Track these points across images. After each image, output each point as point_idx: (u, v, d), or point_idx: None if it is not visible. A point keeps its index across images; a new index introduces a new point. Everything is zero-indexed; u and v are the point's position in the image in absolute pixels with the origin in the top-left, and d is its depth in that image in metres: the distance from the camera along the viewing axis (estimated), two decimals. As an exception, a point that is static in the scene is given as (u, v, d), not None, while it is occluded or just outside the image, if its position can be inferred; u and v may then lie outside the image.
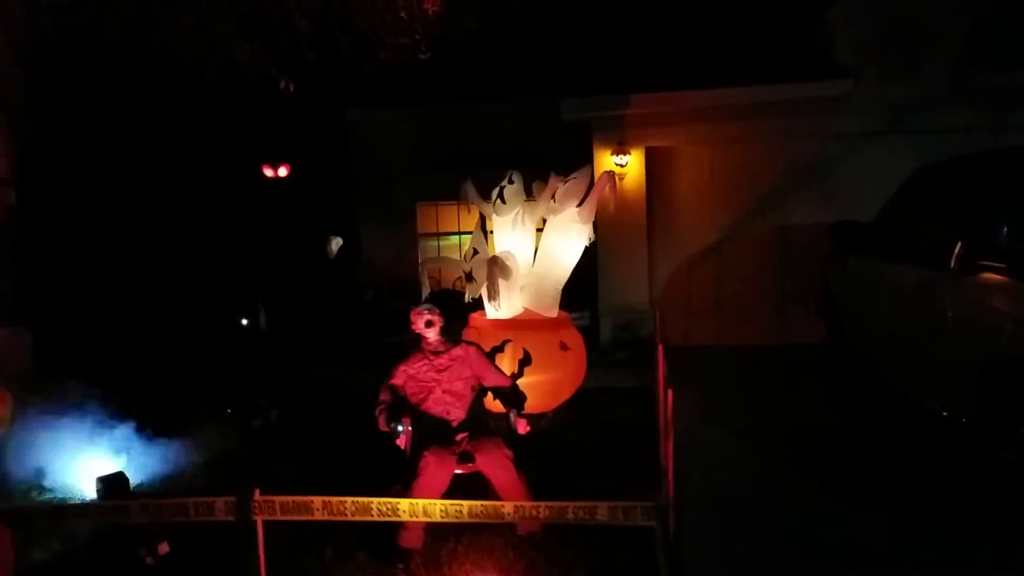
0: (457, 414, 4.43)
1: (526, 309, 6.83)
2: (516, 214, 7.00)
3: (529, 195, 7.07)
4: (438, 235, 13.26)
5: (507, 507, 3.02)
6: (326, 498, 2.83)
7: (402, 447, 4.35)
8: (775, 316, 9.87)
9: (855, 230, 7.24)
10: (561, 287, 6.94)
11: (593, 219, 6.72)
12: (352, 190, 12.97)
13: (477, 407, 4.76)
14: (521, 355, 6.43)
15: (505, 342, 6.47)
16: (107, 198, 10.62)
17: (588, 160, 9.28)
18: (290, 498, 2.84)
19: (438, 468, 4.02)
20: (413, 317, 4.62)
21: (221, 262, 12.20)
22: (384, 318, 11.54)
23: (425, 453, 4.07)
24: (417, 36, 6.71)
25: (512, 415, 4.31)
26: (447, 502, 2.81)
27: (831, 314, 7.84)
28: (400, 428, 4.30)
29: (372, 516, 2.81)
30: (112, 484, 5.20)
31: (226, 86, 7.47)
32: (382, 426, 4.45)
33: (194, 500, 2.90)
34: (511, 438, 4.36)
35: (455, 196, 12.66)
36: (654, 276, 10.12)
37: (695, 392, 6.91)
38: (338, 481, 5.14)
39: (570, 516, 2.87)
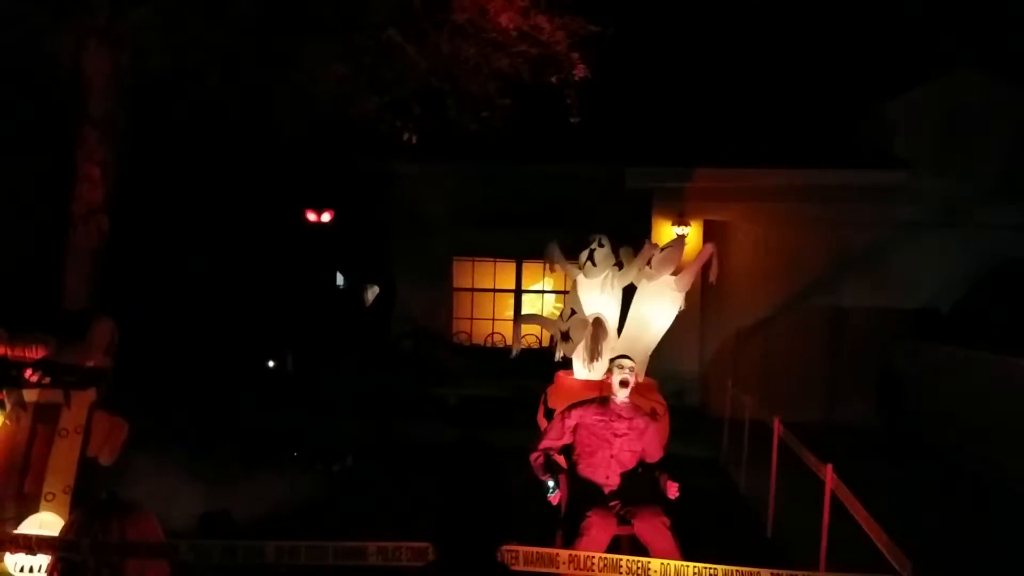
0: (615, 482, 4.38)
1: (614, 371, 6.85)
2: (605, 277, 7.08)
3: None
4: (472, 290, 13.34)
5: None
6: (572, 552, 2.81)
7: (553, 504, 4.31)
8: (821, 396, 9.99)
9: (934, 319, 7.44)
10: (650, 353, 6.99)
11: (689, 288, 6.82)
12: (390, 240, 13.04)
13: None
14: (615, 418, 6.44)
15: (599, 403, 6.49)
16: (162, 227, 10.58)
17: (642, 227, 9.50)
18: (534, 549, 2.81)
19: (601, 529, 3.99)
20: (612, 367, 4.54)
21: (258, 303, 12.11)
22: (424, 369, 11.51)
23: (589, 513, 4.03)
24: (568, 101, 6.87)
25: (663, 478, 4.29)
26: (701, 565, 2.79)
27: (895, 398, 7.98)
28: (555, 486, 4.27)
29: (621, 573, 2.79)
30: (216, 522, 5.06)
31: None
32: (538, 473, 4.41)
33: (377, 545, 2.85)
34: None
35: (492, 252, 13.09)
36: (704, 347, 10.24)
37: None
38: (442, 529, 5.12)
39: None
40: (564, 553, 2.82)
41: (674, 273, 6.89)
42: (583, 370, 6.89)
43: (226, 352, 11.09)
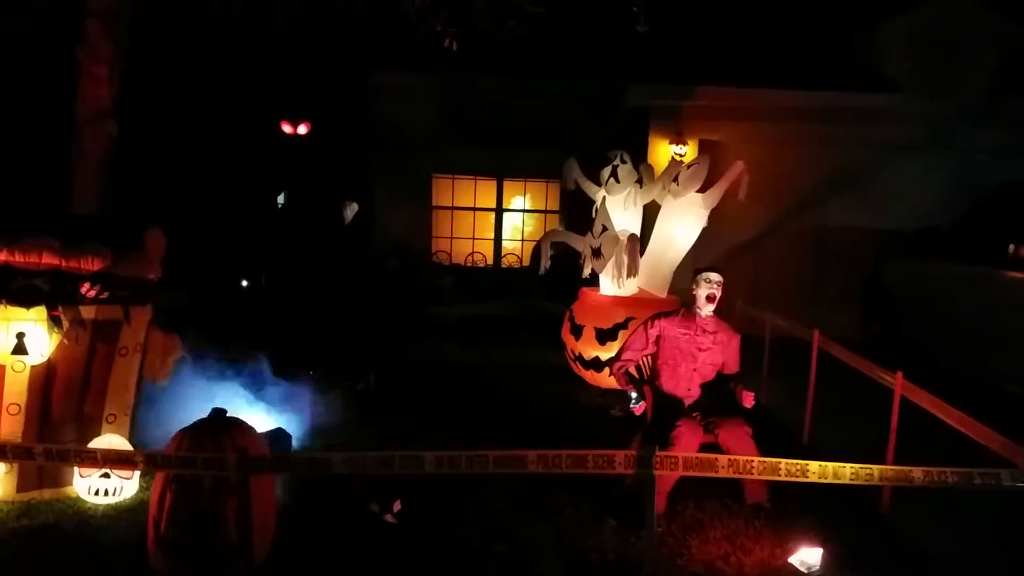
0: (695, 393, 4.45)
1: (640, 289, 6.92)
2: (628, 194, 7.07)
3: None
4: (452, 209, 13.10)
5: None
6: (731, 457, 2.86)
7: (637, 414, 4.38)
8: (810, 311, 10.33)
9: (934, 237, 7.73)
10: (674, 269, 7.07)
11: (715, 205, 6.87)
12: (368, 156, 12.59)
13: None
14: (645, 333, 6.53)
15: (629, 319, 6.57)
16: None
17: (636, 146, 9.42)
18: (694, 455, 2.85)
19: (691, 438, 4.08)
20: (698, 280, 4.44)
21: (229, 218, 11.61)
22: (412, 289, 11.34)
23: (678, 423, 4.12)
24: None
25: (739, 389, 4.37)
26: (857, 465, 2.89)
27: (888, 313, 8.34)
28: (639, 396, 4.32)
29: (780, 476, 2.86)
30: (273, 441, 4.95)
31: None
32: (620, 383, 4.46)
33: (593, 453, 2.86)
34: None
35: (473, 170, 12.82)
36: (696, 265, 10.39)
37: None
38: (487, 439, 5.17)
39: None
40: (723, 458, 2.87)
41: (700, 190, 6.95)
42: (611, 286, 6.96)
43: (196, 270, 10.65)
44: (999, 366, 6.60)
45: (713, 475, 2.92)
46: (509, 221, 13.12)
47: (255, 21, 10.45)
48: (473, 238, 13.13)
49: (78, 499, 4.12)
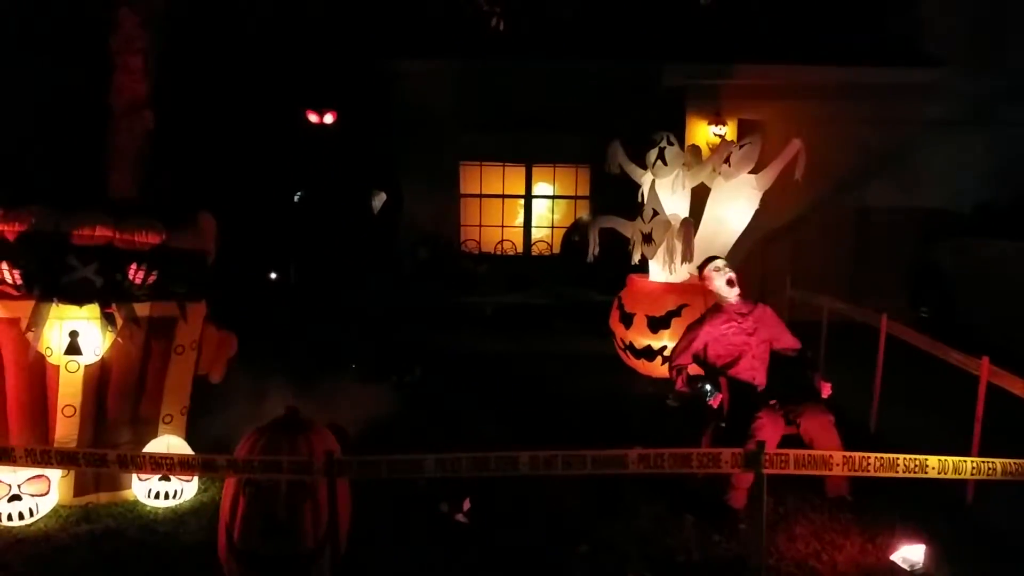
0: (762, 379, 4.30)
1: (691, 274, 6.71)
2: (676, 176, 6.85)
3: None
4: (481, 196, 12.90)
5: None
6: (847, 454, 2.68)
7: (714, 407, 4.20)
8: (848, 295, 10.11)
9: (990, 216, 7.48)
10: (726, 253, 6.84)
11: (769, 186, 6.65)
12: (397, 144, 12.39)
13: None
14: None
15: (682, 306, 6.39)
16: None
17: (673, 128, 9.18)
18: (804, 452, 2.67)
19: (773, 429, 3.90)
20: (709, 274, 4.42)
21: (256, 209, 11.46)
22: (445, 278, 11.17)
23: (759, 414, 3.94)
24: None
25: (816, 378, 4.20)
26: (978, 459, 2.70)
27: (939, 294, 8.09)
28: (713, 389, 4.16)
29: (898, 472, 2.67)
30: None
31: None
32: (680, 386, 4.33)
33: (697, 452, 2.69)
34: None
35: (501, 156, 12.59)
36: (736, 248, 10.18)
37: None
38: (544, 435, 5.01)
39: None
40: (838, 455, 2.69)
41: (753, 171, 6.72)
42: (661, 272, 6.76)
43: (225, 262, 10.52)
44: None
45: (827, 473, 2.73)
46: (538, 208, 12.91)
47: (281, 8, 10.29)
48: (502, 226, 12.92)
49: (136, 502, 4.00)
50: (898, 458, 2.67)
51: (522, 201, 12.78)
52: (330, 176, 12.00)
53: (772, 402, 4.15)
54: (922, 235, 9.00)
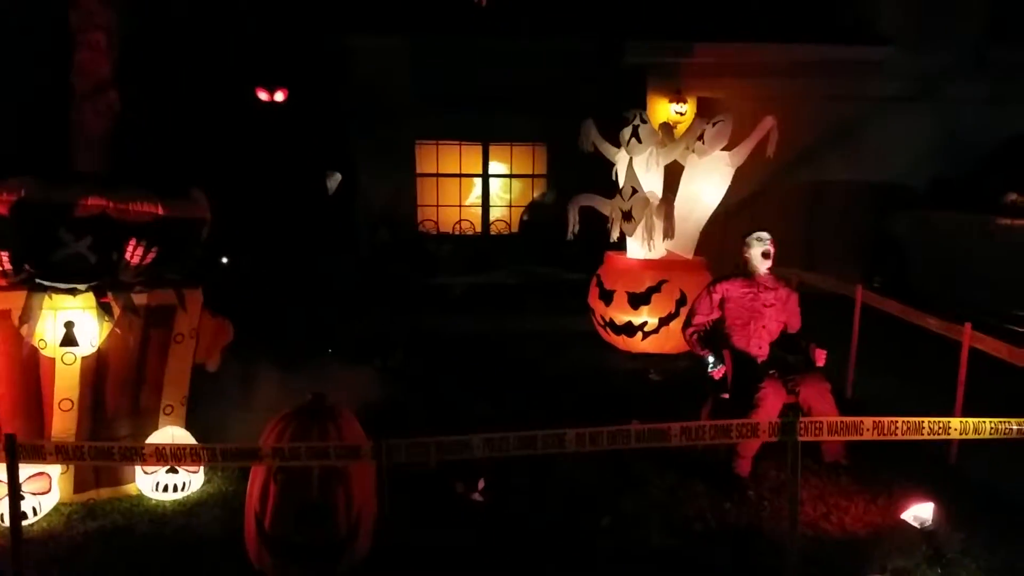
0: (765, 352, 4.41)
1: (668, 251, 6.83)
2: (650, 154, 6.92)
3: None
4: (438, 176, 12.79)
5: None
6: (876, 419, 2.79)
7: (716, 378, 4.31)
8: (803, 266, 10.44)
9: (945, 189, 7.82)
10: (700, 229, 6.99)
11: (742, 163, 6.79)
12: (351, 123, 12.14)
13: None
14: (678, 295, 6.48)
15: (662, 282, 6.50)
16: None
17: (632, 106, 9.30)
18: (838, 419, 2.77)
19: (775, 398, 4.03)
20: (750, 240, 4.44)
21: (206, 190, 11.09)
22: (407, 258, 11.06)
23: (762, 384, 4.06)
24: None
25: (811, 347, 4.32)
26: (996, 420, 2.85)
27: (893, 264, 8.45)
28: (716, 361, 4.26)
29: (924, 435, 2.81)
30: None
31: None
32: (695, 349, 4.41)
33: (736, 423, 2.76)
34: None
35: (458, 135, 12.49)
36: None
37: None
38: (538, 414, 5.06)
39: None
40: (868, 420, 2.80)
41: (725, 148, 6.85)
42: (640, 249, 6.84)
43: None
44: (1007, 308, 6.75)
45: (858, 438, 2.85)
46: (496, 187, 12.88)
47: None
48: (460, 205, 12.87)
49: (140, 496, 3.87)
50: (923, 421, 2.80)
51: (478, 180, 12.75)
52: (282, 156, 11.70)
53: (772, 372, 4.28)
54: (876, 208, 9.33)
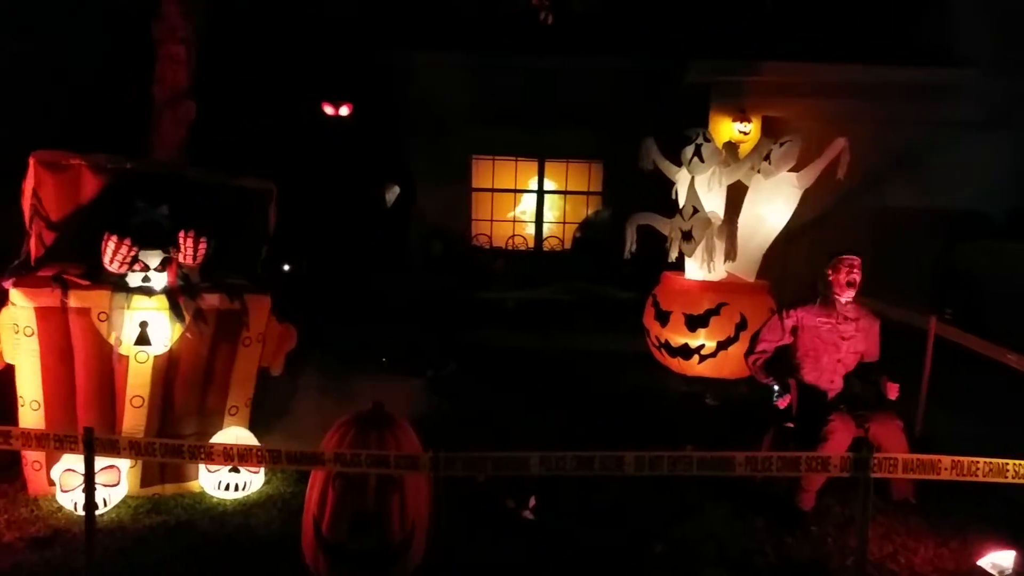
0: (838, 385, 4.23)
1: (729, 273, 6.72)
2: (712, 173, 6.84)
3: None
4: (492, 191, 12.86)
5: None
6: (955, 458, 2.69)
7: (780, 408, 4.19)
8: (865, 294, 10.17)
9: (1020, 221, 7.55)
10: (763, 252, 6.88)
11: (810, 185, 6.68)
12: (410, 137, 12.31)
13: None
14: (738, 319, 6.37)
15: (721, 305, 6.40)
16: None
17: (695, 125, 9.21)
18: (914, 456, 2.68)
19: (844, 432, 3.90)
20: (840, 265, 4.18)
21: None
22: (460, 272, 11.13)
23: (831, 417, 3.92)
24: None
25: (883, 380, 4.16)
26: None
27: (966, 296, 8.15)
28: (782, 390, 4.14)
29: (1007, 478, 2.69)
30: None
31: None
32: (759, 376, 4.28)
33: (806, 455, 2.69)
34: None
35: (514, 151, 12.55)
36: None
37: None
38: (589, 433, 5.00)
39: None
40: (946, 459, 2.69)
41: (793, 169, 6.74)
42: (698, 270, 6.76)
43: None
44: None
45: (934, 477, 2.75)
46: (551, 203, 12.89)
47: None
48: (514, 221, 12.91)
49: (202, 494, 3.97)
50: (1007, 463, 2.69)
51: (535, 196, 12.75)
52: (344, 168, 11.93)
53: (842, 405, 4.13)
54: (945, 237, 9.04)
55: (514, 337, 8.38)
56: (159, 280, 3.80)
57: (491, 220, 12.88)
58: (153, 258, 3.78)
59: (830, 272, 4.24)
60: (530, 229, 12.82)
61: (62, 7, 8.27)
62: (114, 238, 3.66)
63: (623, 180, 11.00)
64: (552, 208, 12.88)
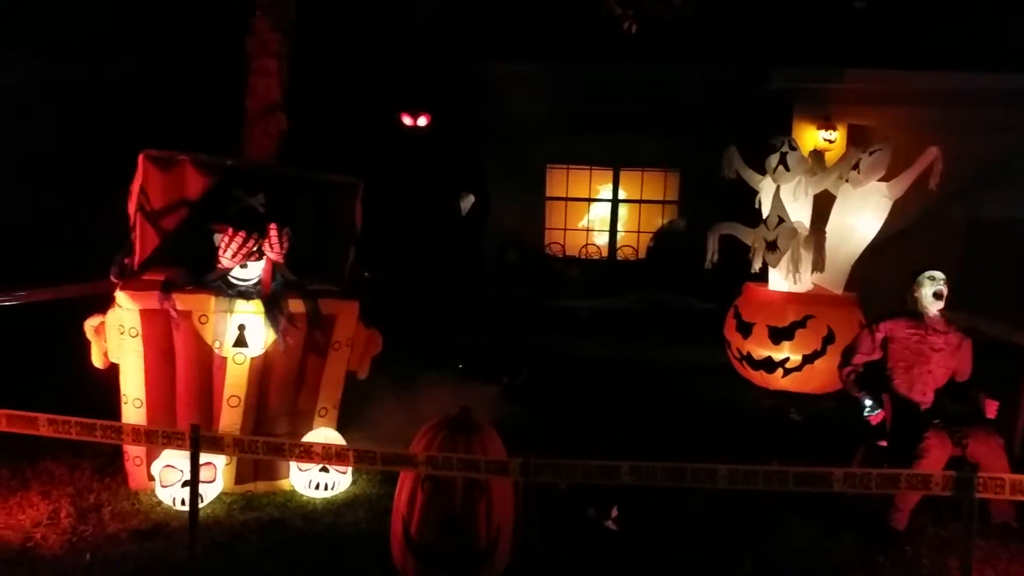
0: (930, 399, 4.12)
1: (815, 285, 6.55)
2: (798, 183, 6.69)
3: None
4: (566, 199, 12.87)
5: None
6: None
7: (873, 424, 4.07)
8: (957, 307, 9.73)
9: None
10: (851, 263, 6.68)
11: (901, 195, 6.46)
12: (485, 146, 12.44)
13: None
14: (825, 332, 6.20)
15: (807, 317, 6.24)
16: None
17: (777, 133, 8.98)
18: (1009, 476, 2.56)
19: (941, 450, 3.76)
20: (922, 279, 4.17)
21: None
22: (534, 280, 11.17)
23: (927, 435, 3.80)
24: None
25: (981, 397, 4.01)
26: None
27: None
28: (874, 404, 4.02)
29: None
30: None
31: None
32: (852, 390, 4.19)
33: (907, 473, 2.60)
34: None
35: (588, 159, 12.53)
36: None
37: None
38: (668, 445, 4.92)
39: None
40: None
41: (883, 179, 6.54)
42: (783, 281, 6.61)
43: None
44: None
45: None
46: (625, 212, 12.82)
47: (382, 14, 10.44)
48: (587, 229, 12.88)
49: (292, 492, 4.09)
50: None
51: (608, 204, 12.70)
52: (421, 177, 12.15)
53: (936, 421, 3.99)
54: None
55: (588, 346, 8.37)
56: (256, 267, 3.95)
57: (564, 229, 12.88)
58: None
59: (915, 288, 4.23)
60: (603, 238, 12.78)
61: (162, 25, 8.71)
62: (229, 232, 3.83)
63: (700, 189, 10.85)
64: (626, 217, 12.81)
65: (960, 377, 4.19)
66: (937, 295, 4.14)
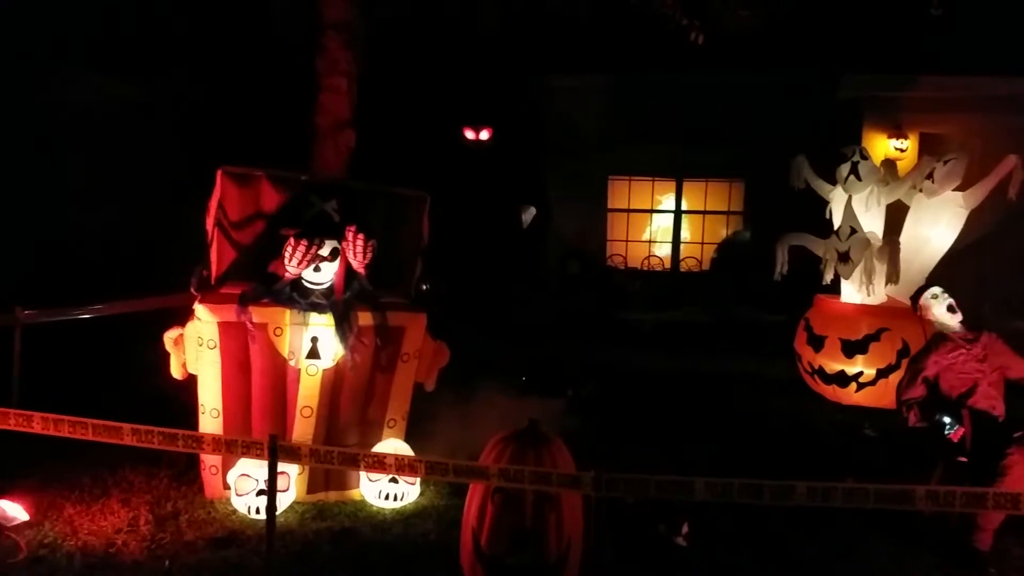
0: (1001, 408, 3.99)
1: (889, 297, 6.35)
2: (870, 192, 6.51)
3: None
4: (628, 211, 12.80)
5: None
6: None
7: (954, 441, 3.92)
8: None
9: None
10: (926, 275, 6.45)
11: (977, 204, 6.23)
12: (546, 159, 12.48)
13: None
14: (900, 346, 6.00)
15: (881, 330, 6.05)
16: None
17: (846, 143, 8.73)
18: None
19: (1024, 467, 3.59)
20: (926, 303, 4.24)
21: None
22: (597, 292, 11.12)
23: (1009, 451, 3.64)
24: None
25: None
26: None
27: None
28: (953, 422, 3.88)
29: None
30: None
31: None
32: (912, 421, 4.08)
33: (993, 492, 2.50)
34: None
35: (651, 171, 12.43)
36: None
37: None
38: (740, 461, 4.80)
39: None
40: None
41: (958, 188, 6.32)
42: (856, 294, 6.43)
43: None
44: None
45: None
46: (688, 224, 12.67)
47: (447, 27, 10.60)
48: (650, 241, 12.78)
49: (362, 502, 4.16)
50: None
51: (671, 216, 12.58)
52: (483, 190, 12.26)
53: (1017, 435, 3.83)
54: None
55: (654, 359, 8.28)
56: (329, 270, 4.04)
57: (626, 240, 12.82)
58: (324, 247, 4.02)
59: (926, 312, 4.28)
60: (666, 250, 12.65)
61: (235, 46, 9.03)
62: (292, 239, 3.93)
63: (766, 199, 10.66)
64: (690, 228, 12.66)
65: (1013, 373, 4.06)
66: (950, 309, 4.18)
